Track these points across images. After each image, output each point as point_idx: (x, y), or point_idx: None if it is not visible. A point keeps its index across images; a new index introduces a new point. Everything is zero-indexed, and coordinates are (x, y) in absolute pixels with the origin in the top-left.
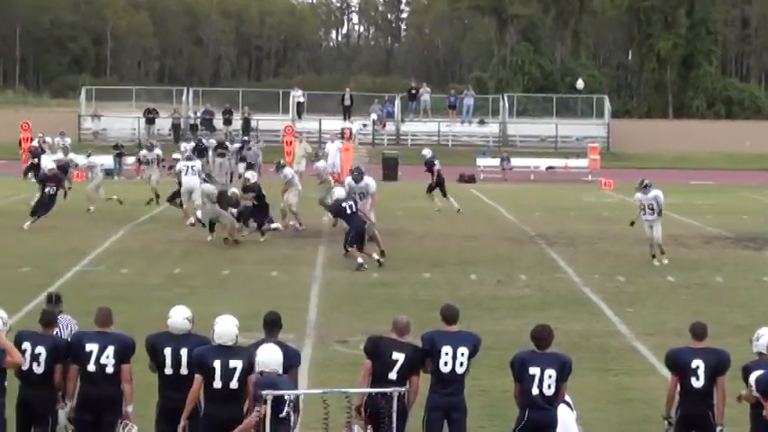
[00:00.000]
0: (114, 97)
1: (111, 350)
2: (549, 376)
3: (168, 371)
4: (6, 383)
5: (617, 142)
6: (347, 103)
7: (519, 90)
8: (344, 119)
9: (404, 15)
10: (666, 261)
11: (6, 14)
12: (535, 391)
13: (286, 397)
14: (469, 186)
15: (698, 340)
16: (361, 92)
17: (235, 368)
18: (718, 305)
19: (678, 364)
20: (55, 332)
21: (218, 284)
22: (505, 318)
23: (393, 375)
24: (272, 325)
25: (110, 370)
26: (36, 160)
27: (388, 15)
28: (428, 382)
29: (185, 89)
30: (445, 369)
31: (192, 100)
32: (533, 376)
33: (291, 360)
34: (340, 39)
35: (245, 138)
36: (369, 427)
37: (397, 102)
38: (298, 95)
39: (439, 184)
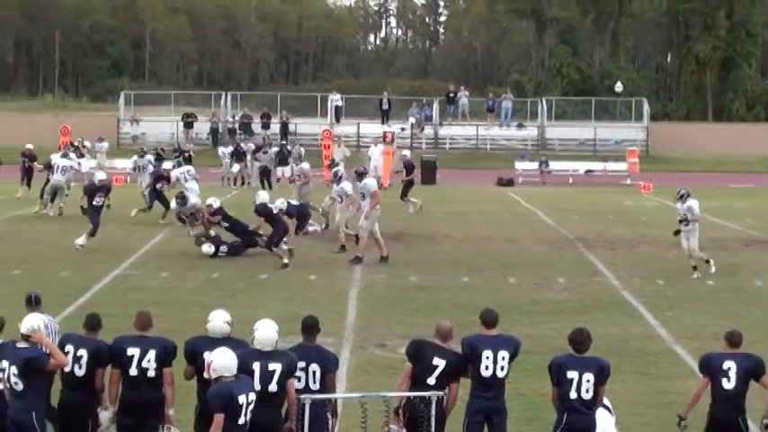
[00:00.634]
0: (153, 101)
1: (152, 354)
2: (588, 380)
3: (206, 374)
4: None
5: (656, 145)
6: (385, 106)
7: (557, 93)
8: (382, 122)
9: (442, 18)
10: (699, 275)
11: (46, 19)
12: (573, 395)
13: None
14: (508, 190)
15: (733, 348)
16: (399, 95)
17: (274, 371)
18: (758, 309)
19: (710, 366)
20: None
21: (256, 288)
22: (544, 321)
23: (432, 381)
24: (311, 329)
25: (151, 374)
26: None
27: (426, 18)
28: (467, 387)
29: (223, 93)
30: (486, 373)
31: (231, 104)
32: (571, 380)
33: (329, 365)
34: (378, 42)
35: (283, 141)
36: (405, 429)
37: (436, 105)
38: (336, 99)
39: (410, 184)
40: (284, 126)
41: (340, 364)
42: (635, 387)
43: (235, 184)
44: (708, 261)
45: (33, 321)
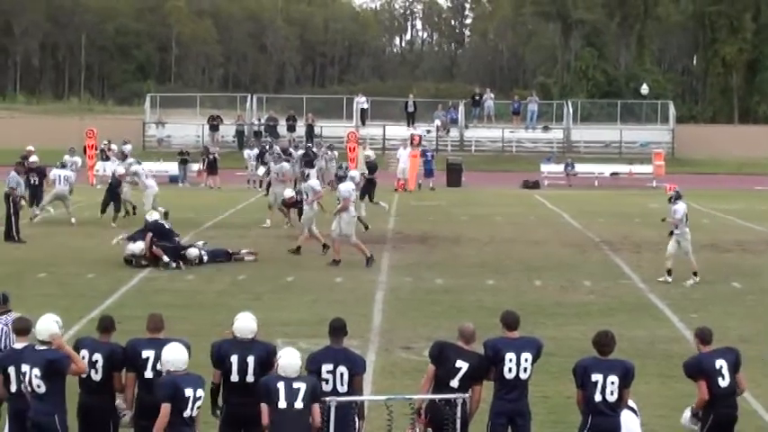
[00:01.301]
0: (178, 104)
1: None
2: (612, 382)
3: (234, 378)
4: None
5: (682, 148)
6: (411, 109)
7: (583, 96)
8: (408, 125)
9: (468, 21)
10: (696, 281)
11: (72, 22)
12: (598, 397)
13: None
14: (533, 192)
15: (706, 345)
16: (424, 98)
17: (298, 389)
18: None
19: (704, 368)
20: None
21: (282, 291)
22: (569, 324)
23: (455, 383)
24: (338, 331)
25: None
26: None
27: (452, 21)
28: (489, 389)
29: (249, 96)
30: (509, 375)
31: (256, 107)
32: (596, 383)
33: (357, 367)
34: (404, 45)
35: (309, 144)
36: (429, 430)
37: (461, 108)
38: (362, 102)
39: (372, 184)
40: (310, 129)
41: (366, 366)
42: (660, 389)
43: (260, 186)
44: (695, 273)
45: (51, 327)
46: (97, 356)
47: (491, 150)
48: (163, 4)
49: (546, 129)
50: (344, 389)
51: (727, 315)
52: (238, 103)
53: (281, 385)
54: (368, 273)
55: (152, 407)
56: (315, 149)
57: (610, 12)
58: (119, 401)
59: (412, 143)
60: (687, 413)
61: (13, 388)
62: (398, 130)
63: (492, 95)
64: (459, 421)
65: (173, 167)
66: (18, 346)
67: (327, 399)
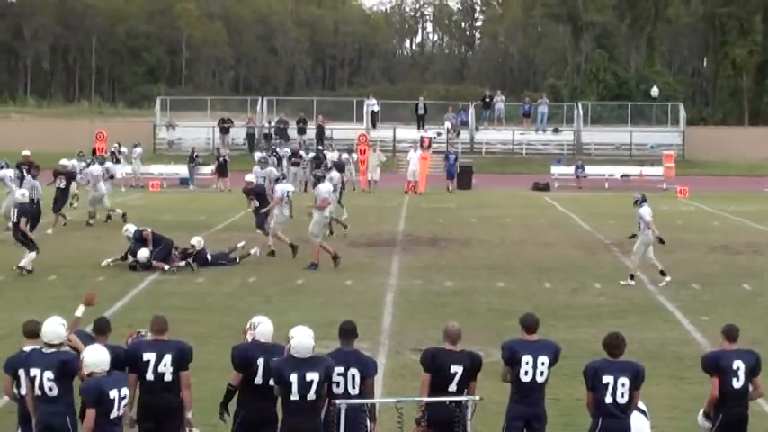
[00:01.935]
0: (189, 107)
1: (168, 358)
2: (623, 384)
3: (258, 381)
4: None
5: (692, 150)
6: (421, 111)
7: (593, 98)
8: (418, 127)
9: (478, 23)
10: (668, 280)
11: (82, 26)
12: (608, 399)
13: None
14: (543, 194)
15: (731, 342)
16: (435, 100)
17: (311, 381)
18: None
19: (720, 366)
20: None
21: (292, 293)
22: (579, 326)
23: (453, 387)
24: (349, 334)
25: (168, 378)
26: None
27: (462, 23)
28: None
29: (259, 99)
30: (526, 378)
31: (267, 109)
32: (606, 385)
33: (368, 369)
34: (414, 47)
35: (320, 147)
36: None
37: (471, 110)
38: (372, 104)
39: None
40: (320, 131)
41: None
42: (671, 391)
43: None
44: (663, 272)
45: (57, 330)
46: None
47: (501, 152)
48: (173, 7)
49: (556, 131)
50: (356, 391)
51: (738, 317)
52: (249, 105)
53: (294, 378)
54: (378, 275)
55: (154, 408)
56: (328, 152)
57: (620, 14)
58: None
59: (422, 145)
60: (701, 411)
61: (23, 391)
62: (409, 133)
63: (502, 98)
64: (469, 424)
65: (183, 170)
66: (26, 348)
67: (338, 401)
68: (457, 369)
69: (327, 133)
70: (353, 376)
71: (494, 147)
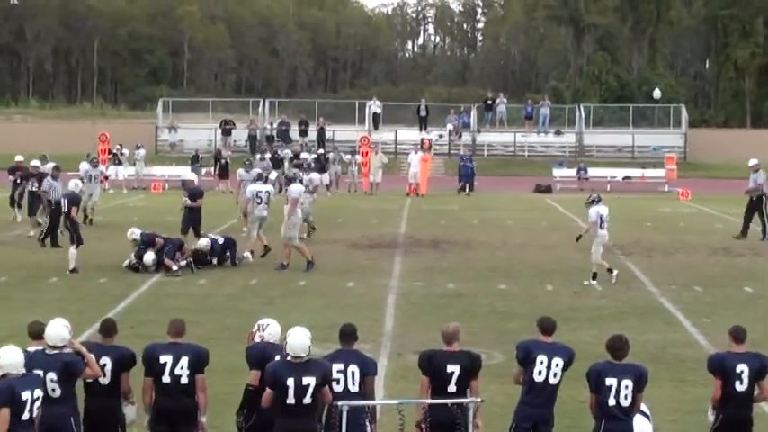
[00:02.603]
0: (191, 109)
1: (185, 361)
2: (626, 386)
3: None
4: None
5: (694, 152)
6: (423, 113)
7: (595, 100)
8: (420, 129)
9: (480, 25)
10: (615, 274)
11: (84, 27)
12: (612, 401)
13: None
14: (545, 197)
15: (739, 344)
16: (436, 102)
17: (308, 386)
18: None
19: (724, 368)
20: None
21: (294, 295)
22: (581, 328)
23: (452, 387)
24: (348, 336)
25: (184, 381)
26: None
27: (464, 25)
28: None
29: (261, 100)
30: (538, 378)
31: (269, 111)
32: (610, 387)
33: (368, 367)
34: (416, 49)
35: (321, 150)
36: None
37: (473, 112)
38: (374, 106)
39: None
40: (321, 133)
41: (378, 370)
42: (673, 394)
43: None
44: (610, 270)
45: (61, 332)
46: (105, 360)
47: (503, 155)
48: (175, 9)
49: (558, 133)
50: (356, 388)
51: (740, 319)
52: (251, 107)
53: (290, 382)
54: (380, 277)
55: (170, 411)
56: (331, 154)
57: (622, 16)
58: (124, 404)
59: (422, 147)
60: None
61: None
62: (411, 135)
63: (504, 100)
64: (471, 426)
65: (185, 171)
66: (30, 349)
67: (340, 403)
68: (454, 369)
69: (329, 135)
70: (353, 373)
71: (495, 149)
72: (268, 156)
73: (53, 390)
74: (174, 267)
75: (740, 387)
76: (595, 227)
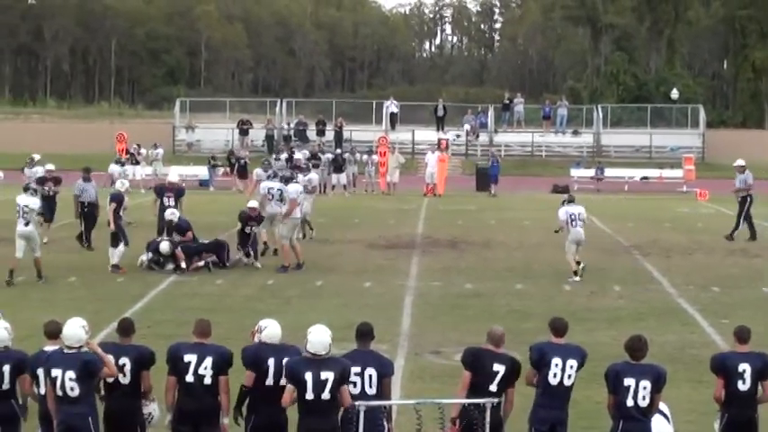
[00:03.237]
0: (208, 109)
1: (209, 361)
2: (644, 387)
3: (269, 382)
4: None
5: (712, 152)
6: (440, 113)
7: (613, 100)
8: (437, 130)
9: (497, 25)
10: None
11: (102, 27)
12: (630, 402)
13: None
14: (563, 197)
15: (743, 344)
16: (454, 102)
17: (326, 380)
18: None
19: (726, 367)
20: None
21: (311, 295)
22: (599, 329)
23: (494, 387)
24: (365, 336)
25: (208, 381)
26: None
27: (482, 25)
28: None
29: (278, 100)
30: (554, 381)
31: (286, 111)
32: (628, 387)
33: (386, 369)
34: (433, 49)
35: (338, 150)
36: None
37: (491, 112)
38: (392, 106)
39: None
40: (338, 133)
41: (395, 370)
42: (690, 395)
43: None
44: (575, 272)
45: (78, 332)
46: (124, 360)
47: (521, 155)
48: (193, 9)
49: (576, 133)
50: (373, 391)
51: (758, 320)
52: (268, 107)
53: (308, 376)
54: (397, 277)
55: (192, 412)
56: (348, 154)
57: (640, 16)
58: (145, 403)
59: (439, 147)
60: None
61: (42, 390)
62: (428, 135)
63: (522, 100)
64: (489, 426)
65: (202, 171)
66: (47, 348)
67: (357, 403)
68: (499, 368)
69: (346, 135)
70: (371, 376)
71: (513, 149)
72: (283, 156)
73: (71, 389)
74: (183, 264)
75: (743, 387)
76: (566, 226)
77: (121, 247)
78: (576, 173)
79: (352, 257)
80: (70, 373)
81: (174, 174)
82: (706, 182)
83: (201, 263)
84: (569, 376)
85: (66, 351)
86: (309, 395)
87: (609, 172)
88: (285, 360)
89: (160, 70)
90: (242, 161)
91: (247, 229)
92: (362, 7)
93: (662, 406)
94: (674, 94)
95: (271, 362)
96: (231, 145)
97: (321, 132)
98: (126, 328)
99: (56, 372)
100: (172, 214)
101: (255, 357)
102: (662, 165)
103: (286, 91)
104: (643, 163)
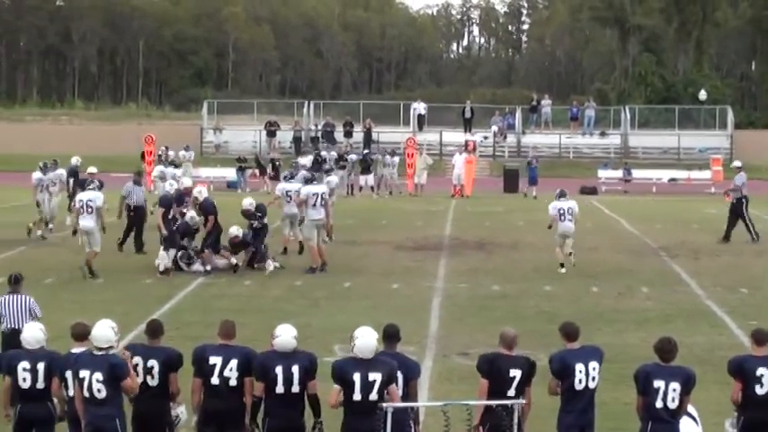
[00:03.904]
0: (236, 110)
1: (234, 363)
2: (674, 389)
3: (280, 390)
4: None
5: (740, 153)
6: (468, 115)
7: (641, 101)
8: (465, 131)
9: (525, 27)
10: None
11: (130, 29)
12: (659, 404)
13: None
14: (591, 198)
15: (761, 346)
16: (481, 104)
17: (374, 381)
18: None
19: (744, 371)
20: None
21: (339, 297)
22: (627, 330)
23: (512, 392)
24: (392, 337)
25: (233, 383)
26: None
27: (509, 27)
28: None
29: (306, 102)
30: (580, 387)
31: (313, 113)
32: (658, 389)
33: (412, 372)
34: (461, 50)
35: (366, 150)
36: None
37: (518, 114)
38: (419, 108)
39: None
40: (368, 134)
41: (422, 372)
42: (719, 397)
43: None
44: (562, 264)
45: (107, 333)
46: (152, 362)
47: (548, 156)
48: (220, 11)
49: (603, 134)
50: (400, 393)
51: None
52: (295, 109)
53: (357, 377)
54: (425, 279)
55: (218, 413)
56: (378, 155)
57: (668, 17)
58: (173, 405)
59: (467, 149)
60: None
61: (71, 392)
62: (456, 136)
63: (549, 101)
64: (515, 428)
65: (230, 173)
66: (75, 350)
67: (384, 405)
68: (516, 373)
69: (374, 136)
70: (397, 378)
71: (541, 150)
72: (302, 160)
73: (98, 390)
74: (208, 268)
75: (760, 391)
76: (555, 220)
77: (171, 252)
78: (603, 174)
79: (380, 259)
80: (98, 375)
81: (188, 179)
82: None
83: (222, 262)
84: (593, 378)
85: (95, 353)
86: (357, 396)
87: (636, 173)
88: (334, 361)
89: (187, 72)
90: (276, 162)
91: (255, 224)
92: (390, 8)
93: (690, 408)
94: (702, 95)
95: (279, 369)
96: (259, 146)
97: (349, 134)
98: (155, 329)
99: (84, 373)
100: (199, 192)
101: (262, 367)
102: (690, 166)
103: (313, 92)
104: (671, 164)
